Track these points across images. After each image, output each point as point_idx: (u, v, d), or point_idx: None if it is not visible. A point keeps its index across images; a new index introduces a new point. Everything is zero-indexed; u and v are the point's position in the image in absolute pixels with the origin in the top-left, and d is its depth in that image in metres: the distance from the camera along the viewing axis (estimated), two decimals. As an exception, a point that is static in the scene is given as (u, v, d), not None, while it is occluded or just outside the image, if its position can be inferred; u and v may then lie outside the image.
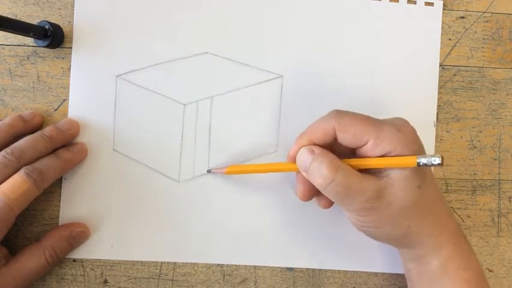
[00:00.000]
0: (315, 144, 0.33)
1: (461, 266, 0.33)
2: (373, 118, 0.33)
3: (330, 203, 0.36)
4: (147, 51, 0.39)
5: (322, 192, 0.33)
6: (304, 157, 0.33)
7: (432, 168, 0.37)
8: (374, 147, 0.32)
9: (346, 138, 0.32)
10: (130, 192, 0.39)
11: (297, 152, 0.34)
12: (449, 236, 0.33)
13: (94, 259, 0.38)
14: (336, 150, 0.33)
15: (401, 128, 0.32)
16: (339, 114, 0.33)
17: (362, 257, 0.39)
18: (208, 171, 0.39)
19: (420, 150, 0.32)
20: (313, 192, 0.35)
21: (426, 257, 0.34)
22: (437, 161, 0.30)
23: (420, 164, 0.31)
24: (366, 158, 0.32)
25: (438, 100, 0.41)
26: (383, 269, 0.40)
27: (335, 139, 0.33)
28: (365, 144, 0.32)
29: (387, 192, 0.31)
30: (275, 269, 0.39)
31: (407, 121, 0.33)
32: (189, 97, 0.38)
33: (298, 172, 0.35)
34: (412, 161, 0.31)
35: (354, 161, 0.33)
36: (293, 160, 0.34)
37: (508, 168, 0.41)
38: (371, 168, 0.32)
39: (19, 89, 0.39)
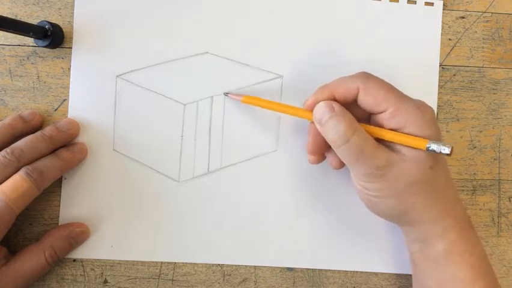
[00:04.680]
0: (334, 100, 0.33)
1: (466, 250, 0.33)
2: (398, 89, 0.33)
3: (342, 164, 0.36)
4: (147, 51, 0.39)
5: (334, 150, 0.33)
6: (322, 110, 0.32)
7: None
8: (391, 118, 0.32)
9: (367, 101, 0.32)
10: (130, 192, 0.39)
11: (316, 103, 0.33)
12: (456, 220, 0.34)
13: (94, 259, 0.38)
14: (352, 114, 0.33)
15: (421, 107, 0.32)
16: (366, 75, 0.33)
17: (362, 257, 0.39)
18: (225, 94, 0.38)
19: (435, 134, 0.32)
20: (322, 147, 0.35)
21: (431, 239, 0.34)
22: (446, 150, 0.30)
23: (430, 149, 0.31)
24: (380, 128, 0.32)
25: (438, 100, 0.40)
26: (383, 269, 0.40)
27: (354, 101, 0.33)
28: (383, 111, 0.32)
29: (398, 167, 0.31)
30: (275, 269, 0.39)
31: (426, 103, 0.33)
32: (189, 97, 0.38)
33: (311, 123, 0.35)
34: (422, 144, 0.31)
35: (368, 128, 0.32)
36: (309, 108, 0.34)
37: (508, 168, 0.41)
38: (382, 139, 0.32)
39: (19, 89, 0.39)
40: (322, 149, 0.35)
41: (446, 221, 0.33)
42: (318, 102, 0.33)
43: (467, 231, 0.34)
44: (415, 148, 0.31)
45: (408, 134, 0.32)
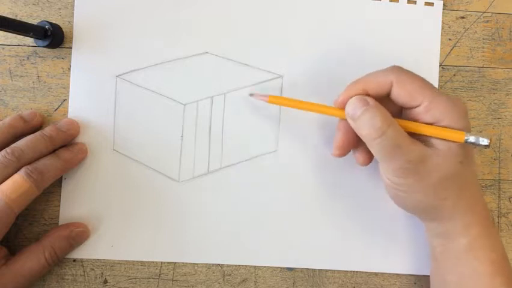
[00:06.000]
0: (367, 95, 0.33)
1: (488, 246, 0.33)
2: (431, 83, 0.33)
3: (369, 160, 0.35)
4: (147, 51, 0.39)
5: (367, 145, 0.32)
6: (355, 105, 0.32)
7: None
8: (426, 111, 0.32)
9: (401, 95, 0.32)
10: (130, 192, 0.39)
11: (347, 99, 0.33)
12: (480, 216, 0.34)
13: (94, 259, 0.38)
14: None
15: (455, 101, 0.32)
16: (400, 69, 0.33)
17: (362, 257, 0.39)
18: (251, 95, 0.38)
19: (468, 128, 0.32)
20: (351, 144, 0.35)
21: (454, 233, 0.34)
22: (485, 142, 0.30)
23: (468, 141, 0.31)
24: (415, 123, 0.32)
25: (438, 100, 0.40)
26: (383, 269, 0.40)
27: (387, 96, 0.33)
28: (418, 106, 0.32)
29: (431, 161, 0.31)
30: (275, 269, 0.39)
31: (459, 99, 0.33)
32: (189, 97, 0.38)
33: (342, 120, 0.34)
34: (460, 136, 0.31)
35: (404, 122, 0.32)
36: (340, 106, 0.34)
37: (508, 168, 0.41)
38: (417, 134, 0.32)
39: (19, 89, 0.39)
40: (350, 146, 0.35)
41: (470, 216, 0.33)
42: (350, 98, 0.33)
43: (489, 227, 0.34)
44: (452, 141, 0.31)
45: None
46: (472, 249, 0.33)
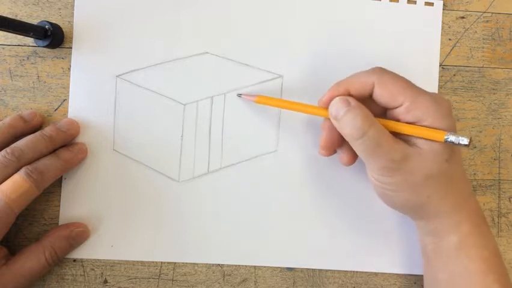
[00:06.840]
0: (350, 95, 0.33)
1: (479, 244, 0.33)
2: (413, 83, 0.33)
3: (353, 160, 0.36)
4: (147, 51, 0.39)
5: (351, 144, 0.33)
6: (338, 105, 0.33)
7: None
8: (407, 112, 0.32)
9: (383, 96, 0.32)
10: (130, 192, 0.39)
11: (331, 99, 0.34)
12: (470, 214, 0.34)
13: (94, 259, 0.38)
14: (368, 109, 0.33)
15: (438, 100, 0.32)
16: (382, 70, 0.33)
17: (362, 257, 0.39)
18: (239, 95, 0.38)
19: (451, 127, 0.32)
20: (335, 143, 0.35)
21: (443, 231, 0.34)
22: (465, 141, 0.30)
23: (448, 140, 0.31)
24: (396, 122, 0.32)
25: (438, 100, 0.40)
26: (383, 269, 0.40)
27: (370, 96, 0.33)
28: (399, 106, 0.32)
29: (414, 160, 0.32)
30: (275, 269, 0.39)
31: (443, 96, 0.33)
32: (189, 97, 0.38)
33: (326, 119, 0.35)
34: (440, 135, 0.31)
35: (385, 122, 0.33)
36: (324, 106, 0.34)
37: (508, 168, 0.41)
38: (399, 133, 0.32)
39: (19, 89, 0.39)
40: (334, 145, 0.36)
41: (459, 214, 0.33)
42: (333, 98, 0.33)
43: (480, 224, 0.34)
44: (433, 140, 0.31)
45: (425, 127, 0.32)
46: (463, 247, 0.33)
